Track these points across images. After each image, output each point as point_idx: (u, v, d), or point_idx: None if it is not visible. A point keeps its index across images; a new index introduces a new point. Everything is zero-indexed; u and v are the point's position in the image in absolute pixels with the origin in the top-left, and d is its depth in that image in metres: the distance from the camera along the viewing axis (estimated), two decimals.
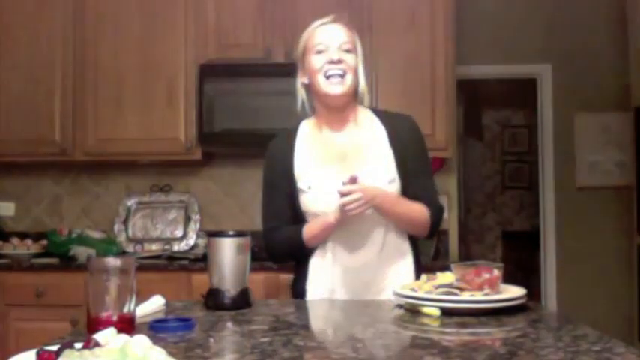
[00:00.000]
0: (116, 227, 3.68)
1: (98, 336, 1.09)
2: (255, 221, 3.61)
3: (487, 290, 1.51)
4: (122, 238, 3.65)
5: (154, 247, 3.61)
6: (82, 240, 3.43)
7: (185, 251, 3.56)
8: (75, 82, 3.53)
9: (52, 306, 3.11)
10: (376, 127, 1.92)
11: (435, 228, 1.92)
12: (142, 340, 1.06)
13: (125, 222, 3.70)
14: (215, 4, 3.50)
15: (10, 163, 3.66)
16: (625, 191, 4.37)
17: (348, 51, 1.85)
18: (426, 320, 1.45)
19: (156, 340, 1.12)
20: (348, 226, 1.80)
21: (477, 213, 7.30)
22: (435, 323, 1.43)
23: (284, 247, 1.91)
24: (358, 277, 1.85)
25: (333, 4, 3.48)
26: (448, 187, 3.78)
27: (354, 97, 1.90)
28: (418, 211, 1.87)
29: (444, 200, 3.72)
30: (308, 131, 1.94)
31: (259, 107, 3.36)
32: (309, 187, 1.85)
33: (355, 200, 1.71)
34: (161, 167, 3.77)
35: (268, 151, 1.97)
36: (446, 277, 1.57)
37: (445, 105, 3.44)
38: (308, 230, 1.85)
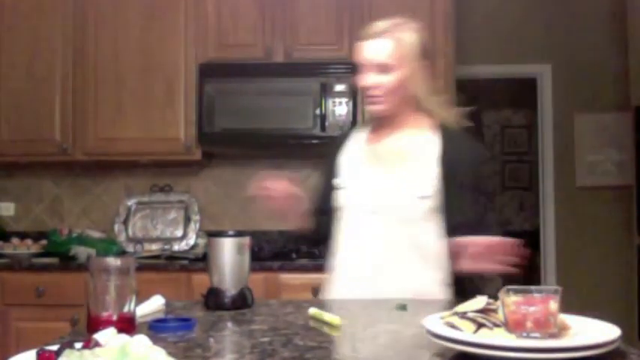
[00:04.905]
0: (116, 227, 3.68)
1: (98, 336, 1.09)
2: (255, 221, 3.65)
3: (530, 326, 1.05)
4: (122, 238, 3.65)
5: (154, 247, 3.61)
6: (82, 240, 3.43)
7: (185, 251, 3.56)
8: (75, 82, 3.53)
9: (52, 306, 3.11)
10: (429, 139, 1.81)
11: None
12: (142, 340, 1.06)
13: (125, 222, 3.70)
14: (215, 4, 3.51)
15: (10, 163, 3.66)
16: (625, 191, 4.37)
17: (386, 69, 1.77)
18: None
19: (156, 340, 1.12)
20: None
21: None
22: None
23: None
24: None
25: (333, 4, 3.48)
26: None
27: (403, 106, 1.83)
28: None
29: None
30: (359, 134, 1.98)
31: (259, 107, 3.36)
32: (343, 185, 1.87)
33: None
34: (161, 167, 3.77)
35: (330, 143, 2.08)
36: (476, 304, 1.18)
37: None
38: None
